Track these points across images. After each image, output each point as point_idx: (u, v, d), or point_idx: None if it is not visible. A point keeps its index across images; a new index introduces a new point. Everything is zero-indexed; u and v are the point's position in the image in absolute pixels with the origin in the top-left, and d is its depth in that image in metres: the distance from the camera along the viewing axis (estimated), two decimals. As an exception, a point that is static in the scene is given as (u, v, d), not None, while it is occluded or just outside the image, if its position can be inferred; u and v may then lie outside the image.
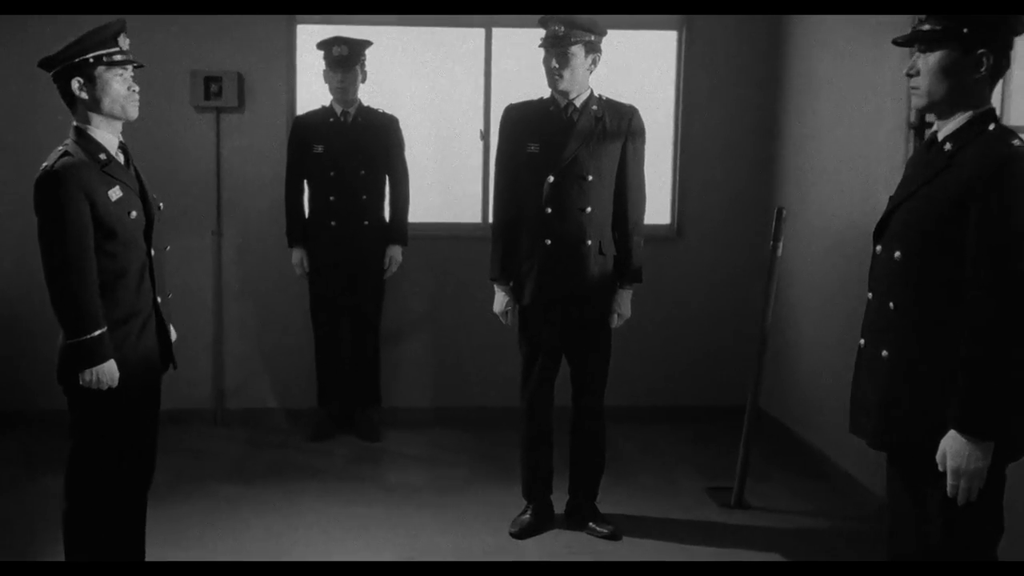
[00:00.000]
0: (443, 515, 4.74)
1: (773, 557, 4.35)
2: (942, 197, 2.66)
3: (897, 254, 2.75)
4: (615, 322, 4.46)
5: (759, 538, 4.56)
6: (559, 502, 4.67)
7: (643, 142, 4.41)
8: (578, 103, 4.30)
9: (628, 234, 4.39)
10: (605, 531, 4.52)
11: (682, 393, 6.25)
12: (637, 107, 4.41)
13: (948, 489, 2.65)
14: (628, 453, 5.59)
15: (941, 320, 2.67)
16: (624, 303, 4.46)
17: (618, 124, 4.33)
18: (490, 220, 4.80)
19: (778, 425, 5.85)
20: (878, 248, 2.86)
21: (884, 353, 2.79)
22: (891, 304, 2.77)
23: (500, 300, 4.49)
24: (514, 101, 4.46)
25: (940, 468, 2.66)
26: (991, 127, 2.68)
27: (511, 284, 4.46)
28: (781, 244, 4.75)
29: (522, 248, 4.38)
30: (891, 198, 2.87)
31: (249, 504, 4.81)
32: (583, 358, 4.48)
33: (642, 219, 4.45)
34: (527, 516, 4.58)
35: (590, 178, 4.28)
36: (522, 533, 4.51)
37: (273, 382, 6.06)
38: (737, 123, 6.09)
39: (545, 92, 4.36)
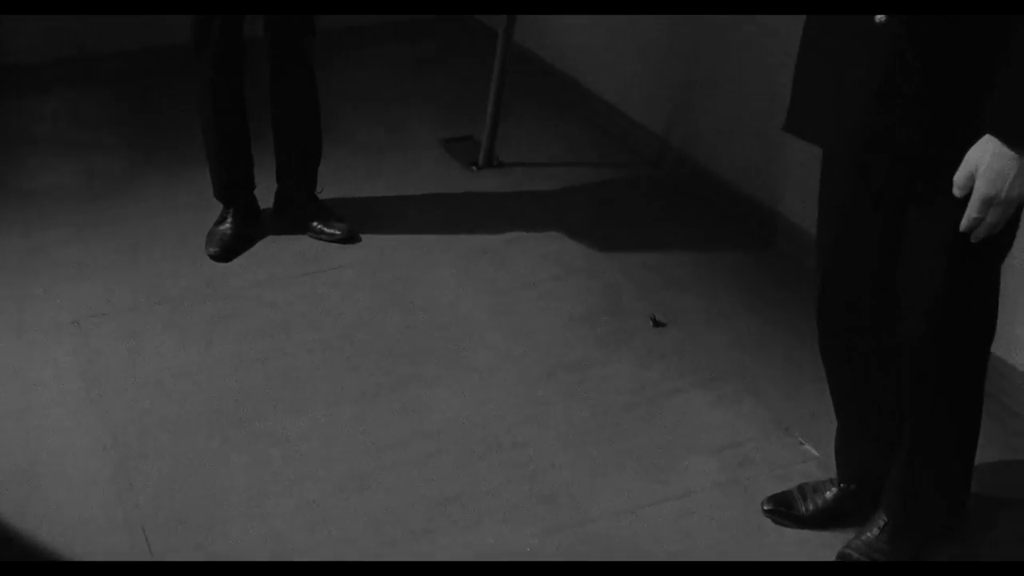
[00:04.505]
0: (116, 238, 3.39)
1: (553, 234, 3.41)
2: None
3: None
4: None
5: (528, 209, 3.61)
6: (264, 196, 3.45)
7: None
8: None
9: None
10: (337, 232, 3.38)
11: None
12: None
13: (965, 222, 1.70)
14: (344, 97, 4.22)
15: None
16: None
17: None
18: None
19: (531, 57, 4.49)
20: None
21: (877, 18, 1.69)
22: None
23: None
24: None
25: (959, 193, 1.69)
26: None
27: None
28: None
29: None
30: None
31: None
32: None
33: None
34: (227, 226, 3.34)
35: None
36: (225, 252, 3.29)
37: None
38: None
39: None
